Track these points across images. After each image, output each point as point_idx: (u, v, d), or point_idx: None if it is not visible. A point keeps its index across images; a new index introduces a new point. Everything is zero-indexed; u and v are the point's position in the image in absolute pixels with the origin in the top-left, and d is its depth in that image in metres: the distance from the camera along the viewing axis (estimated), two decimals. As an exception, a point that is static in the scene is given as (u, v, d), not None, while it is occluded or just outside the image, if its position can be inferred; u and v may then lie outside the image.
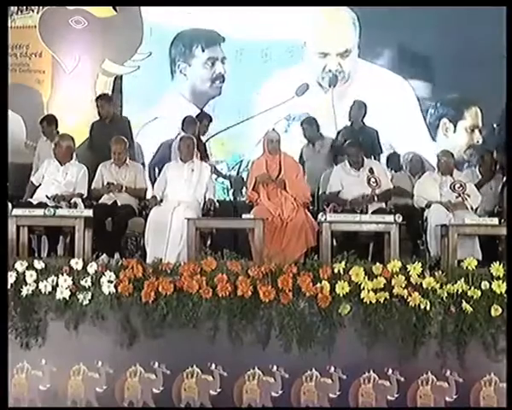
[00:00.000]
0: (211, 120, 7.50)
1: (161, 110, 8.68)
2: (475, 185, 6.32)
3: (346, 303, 4.65)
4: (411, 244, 5.96)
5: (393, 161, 7.47)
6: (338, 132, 7.49)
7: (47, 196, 5.94)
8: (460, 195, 5.92)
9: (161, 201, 6.01)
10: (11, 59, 8.24)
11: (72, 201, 5.91)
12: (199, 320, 4.64)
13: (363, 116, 7.33)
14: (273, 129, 6.50)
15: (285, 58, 8.87)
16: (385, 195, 6.21)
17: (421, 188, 6.28)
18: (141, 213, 6.26)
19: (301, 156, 7.26)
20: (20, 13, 8.63)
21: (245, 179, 6.96)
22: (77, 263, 4.75)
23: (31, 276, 4.71)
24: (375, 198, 6.02)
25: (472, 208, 5.98)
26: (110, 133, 6.80)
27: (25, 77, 8.63)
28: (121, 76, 8.83)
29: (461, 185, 5.95)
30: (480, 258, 5.43)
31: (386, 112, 8.46)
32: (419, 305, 4.61)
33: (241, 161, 8.21)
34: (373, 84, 8.78)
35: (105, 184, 6.33)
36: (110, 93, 8.34)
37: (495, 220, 5.49)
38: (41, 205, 5.68)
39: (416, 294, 4.61)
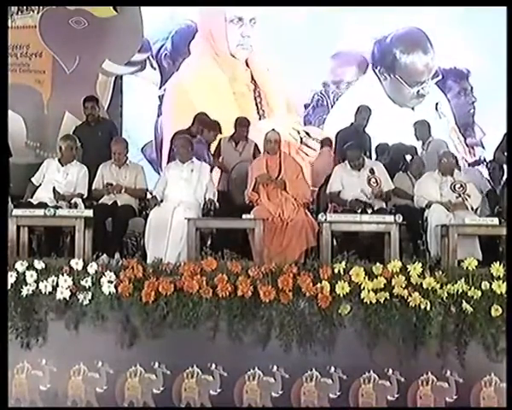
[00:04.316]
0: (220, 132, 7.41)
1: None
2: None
3: (346, 303, 4.66)
4: (411, 244, 5.95)
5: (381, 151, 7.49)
6: (337, 133, 7.52)
7: (53, 190, 5.92)
8: (460, 195, 5.92)
9: (161, 201, 6.01)
10: (11, 59, 8.24)
11: (72, 201, 5.91)
12: (199, 320, 4.64)
13: (367, 121, 7.39)
14: (273, 129, 6.48)
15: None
16: (385, 195, 6.21)
17: (421, 188, 6.28)
18: (141, 214, 6.26)
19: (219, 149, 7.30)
20: (20, 13, 8.63)
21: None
22: (77, 263, 4.76)
23: (31, 276, 4.71)
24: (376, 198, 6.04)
25: (472, 209, 5.98)
26: (97, 135, 6.85)
27: (25, 77, 8.62)
28: (121, 76, 8.84)
29: (461, 185, 5.95)
30: (481, 258, 5.42)
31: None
32: (419, 305, 4.61)
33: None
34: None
35: (105, 184, 6.33)
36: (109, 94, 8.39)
37: (495, 220, 5.49)
38: (41, 205, 5.68)
39: (417, 294, 4.61)
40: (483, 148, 8.91)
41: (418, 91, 9.07)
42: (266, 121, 8.41)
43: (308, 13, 8.72)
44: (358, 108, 7.50)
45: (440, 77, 9.02)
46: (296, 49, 8.72)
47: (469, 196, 5.94)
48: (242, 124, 7.31)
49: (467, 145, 9.03)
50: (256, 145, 7.17)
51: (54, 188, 5.95)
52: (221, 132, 7.24)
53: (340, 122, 7.74)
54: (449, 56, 8.96)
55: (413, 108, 9.04)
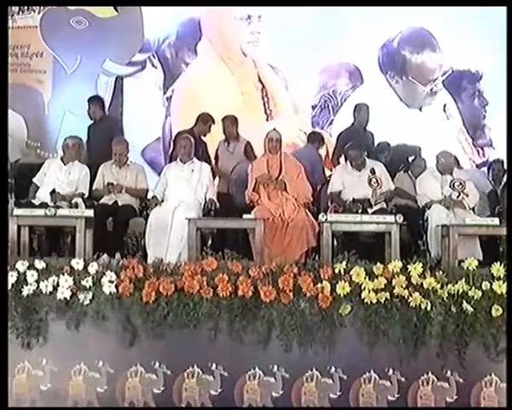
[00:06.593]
0: (213, 122, 7.43)
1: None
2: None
3: (346, 303, 4.65)
4: (412, 244, 5.95)
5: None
6: (339, 135, 7.51)
7: (52, 192, 5.92)
8: (459, 193, 5.93)
9: (162, 201, 6.02)
10: (12, 59, 8.26)
11: (73, 201, 5.91)
12: (199, 320, 4.64)
13: (367, 119, 7.34)
14: (274, 128, 6.48)
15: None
16: (386, 195, 6.21)
17: (423, 186, 6.28)
18: (141, 214, 6.27)
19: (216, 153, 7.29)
20: (21, 13, 8.65)
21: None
22: (78, 263, 4.76)
23: (32, 276, 4.71)
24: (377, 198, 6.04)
25: (469, 207, 5.99)
26: (101, 134, 6.85)
27: (26, 77, 8.64)
28: (122, 76, 8.85)
29: (460, 183, 5.95)
30: (481, 258, 5.42)
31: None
32: (420, 305, 4.61)
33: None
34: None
35: (106, 184, 6.33)
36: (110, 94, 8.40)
37: (495, 220, 5.49)
38: (42, 205, 5.68)
39: (417, 294, 4.61)
40: (493, 148, 8.85)
41: (432, 89, 9.01)
42: (273, 122, 8.37)
43: (315, 13, 8.68)
44: (356, 106, 7.42)
45: (451, 71, 8.97)
46: (302, 50, 8.72)
47: (467, 195, 5.95)
48: (228, 121, 7.24)
49: (475, 146, 8.97)
50: (248, 143, 7.15)
51: (53, 190, 5.94)
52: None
53: (348, 124, 7.65)
54: (458, 58, 8.90)
55: (420, 109, 9.00)
